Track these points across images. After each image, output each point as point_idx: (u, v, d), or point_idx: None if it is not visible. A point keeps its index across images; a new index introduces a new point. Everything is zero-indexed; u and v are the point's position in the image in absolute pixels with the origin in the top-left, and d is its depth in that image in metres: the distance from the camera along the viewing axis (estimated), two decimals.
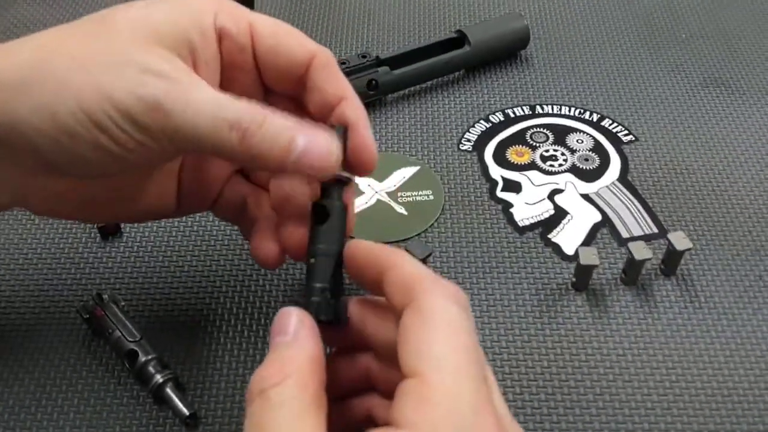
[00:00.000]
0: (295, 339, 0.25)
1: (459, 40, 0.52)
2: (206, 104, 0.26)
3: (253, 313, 0.39)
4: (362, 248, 0.27)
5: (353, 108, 0.30)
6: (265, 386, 0.22)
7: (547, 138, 0.48)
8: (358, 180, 0.45)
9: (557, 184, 0.46)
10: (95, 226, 0.42)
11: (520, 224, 0.43)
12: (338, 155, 0.28)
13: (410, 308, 0.24)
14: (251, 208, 0.33)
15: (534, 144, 0.48)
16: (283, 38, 0.30)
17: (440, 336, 0.23)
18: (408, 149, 0.48)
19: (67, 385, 0.36)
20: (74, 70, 0.26)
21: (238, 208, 0.34)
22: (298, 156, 0.27)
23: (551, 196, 0.45)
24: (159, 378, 0.35)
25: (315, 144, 0.27)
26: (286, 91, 0.31)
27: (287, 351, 0.24)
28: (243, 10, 0.30)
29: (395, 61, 0.50)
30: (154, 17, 0.28)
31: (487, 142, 0.48)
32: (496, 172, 0.46)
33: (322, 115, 0.31)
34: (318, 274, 0.28)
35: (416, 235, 0.43)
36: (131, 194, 0.32)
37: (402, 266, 0.26)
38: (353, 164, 0.30)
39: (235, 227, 0.43)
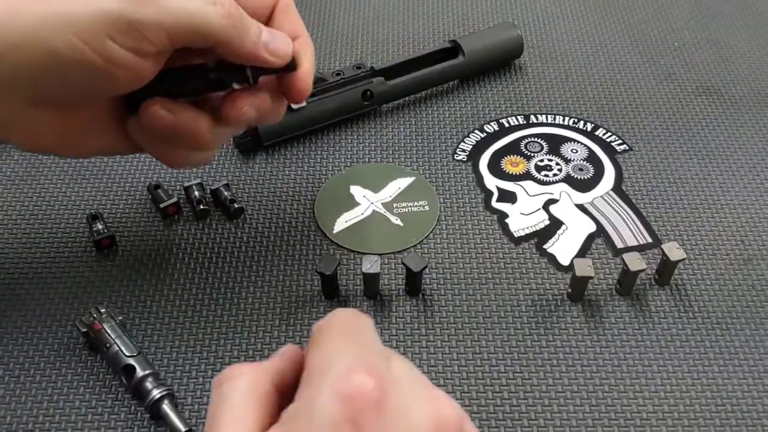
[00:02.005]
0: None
1: (453, 50, 0.52)
2: None
3: (251, 327, 0.39)
4: None
5: (305, 45, 0.36)
6: (222, 380, 0.25)
7: (542, 148, 0.49)
8: (354, 192, 0.46)
9: (552, 194, 0.46)
10: (91, 239, 0.42)
11: (516, 235, 0.43)
12: (291, 50, 0.35)
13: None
14: None
15: (528, 154, 0.48)
16: None
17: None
18: (403, 160, 0.48)
19: (64, 401, 0.36)
20: None
21: None
22: (266, 41, 0.33)
23: (546, 207, 0.45)
24: (155, 394, 0.35)
25: (276, 37, 0.34)
26: None
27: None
28: None
29: (390, 72, 0.50)
30: None
31: (482, 152, 0.48)
32: (491, 182, 0.47)
33: None
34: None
35: (412, 247, 0.43)
36: (107, 125, 0.34)
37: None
38: (290, 89, 0.36)
39: (235, 246, 0.43)
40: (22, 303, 0.40)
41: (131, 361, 0.35)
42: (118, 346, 0.36)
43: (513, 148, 0.49)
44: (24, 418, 0.35)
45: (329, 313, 0.25)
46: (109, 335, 0.36)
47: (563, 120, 0.51)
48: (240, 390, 0.24)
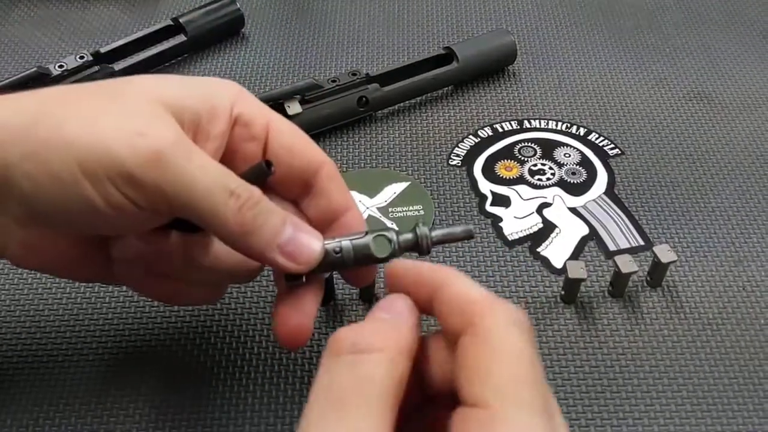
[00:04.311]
0: (399, 316, 0.24)
1: (447, 56, 0.53)
2: (209, 166, 0.27)
3: (256, 324, 0.39)
4: (408, 266, 0.26)
5: (357, 220, 0.32)
6: (361, 346, 0.22)
7: (535, 152, 0.49)
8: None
9: (545, 198, 0.46)
10: None
11: (510, 238, 0.44)
12: (320, 255, 0.29)
13: (470, 332, 0.23)
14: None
15: (522, 158, 0.49)
16: (299, 140, 0.32)
17: (505, 365, 0.22)
18: (398, 165, 0.49)
19: (84, 411, 0.36)
20: (72, 119, 0.27)
21: None
22: (285, 241, 0.28)
23: (540, 210, 0.46)
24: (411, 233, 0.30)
25: (301, 236, 0.29)
26: (284, 192, 0.33)
27: (389, 323, 0.24)
28: (263, 107, 0.32)
29: (385, 78, 0.51)
30: (165, 88, 0.29)
31: (476, 157, 0.49)
32: (485, 186, 0.47)
33: (322, 221, 0.32)
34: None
35: None
36: (107, 260, 0.31)
37: (456, 285, 0.24)
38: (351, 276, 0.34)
39: None
40: (33, 306, 0.40)
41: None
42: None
43: (507, 153, 0.49)
44: (32, 419, 0.36)
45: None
46: None
47: (556, 125, 0.51)
48: (380, 377, 0.21)
